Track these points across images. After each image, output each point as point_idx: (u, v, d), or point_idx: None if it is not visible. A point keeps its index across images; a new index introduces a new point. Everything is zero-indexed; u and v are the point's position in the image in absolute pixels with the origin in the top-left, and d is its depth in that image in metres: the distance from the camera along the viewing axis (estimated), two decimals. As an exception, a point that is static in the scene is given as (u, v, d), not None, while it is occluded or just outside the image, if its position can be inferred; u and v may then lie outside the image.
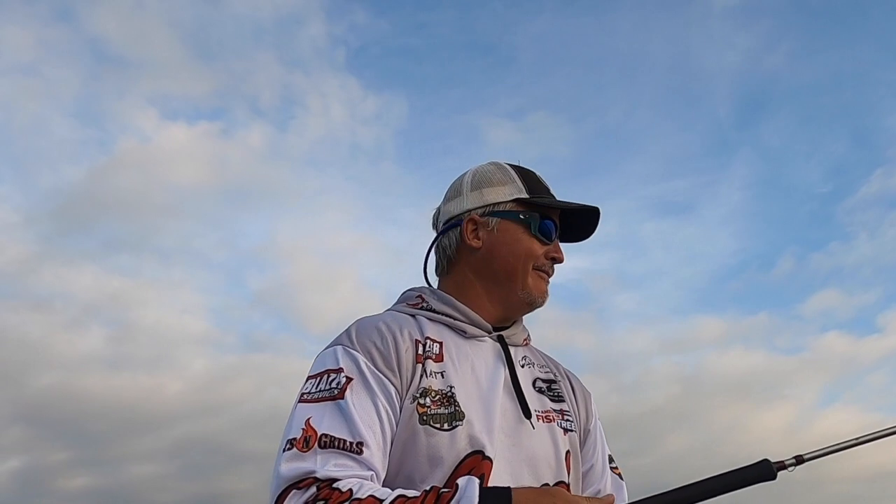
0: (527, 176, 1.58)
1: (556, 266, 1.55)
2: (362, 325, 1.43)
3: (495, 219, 1.54)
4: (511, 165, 1.60)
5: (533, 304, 1.53)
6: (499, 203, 1.55)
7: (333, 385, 1.33)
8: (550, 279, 1.56)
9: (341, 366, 1.35)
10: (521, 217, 1.53)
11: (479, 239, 1.53)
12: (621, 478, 1.59)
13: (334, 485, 1.21)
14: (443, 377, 1.39)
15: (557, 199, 1.58)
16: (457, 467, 1.32)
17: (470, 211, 1.55)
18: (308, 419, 1.29)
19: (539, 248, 1.53)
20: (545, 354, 1.64)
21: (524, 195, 1.55)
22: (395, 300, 1.60)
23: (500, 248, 1.53)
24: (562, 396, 1.54)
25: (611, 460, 1.60)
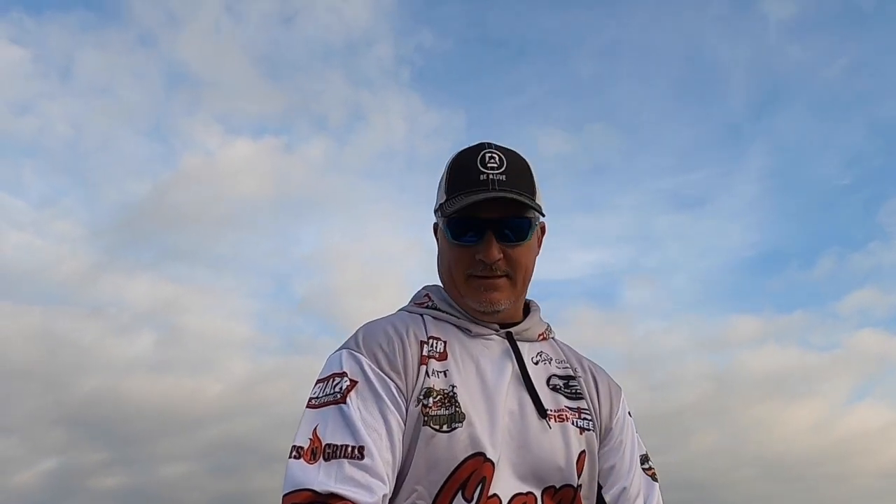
0: (456, 168, 1.43)
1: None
2: (369, 328, 1.42)
3: (438, 223, 1.48)
4: (457, 155, 1.45)
5: (485, 312, 1.42)
6: (437, 208, 1.48)
7: (336, 389, 1.32)
8: (501, 279, 1.41)
9: (345, 369, 1.34)
10: (442, 223, 1.44)
11: (438, 244, 1.51)
12: (655, 478, 1.53)
13: None
14: (445, 376, 1.36)
15: (496, 181, 1.37)
16: (456, 470, 1.30)
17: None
18: (315, 427, 1.29)
19: (461, 255, 1.41)
20: (569, 348, 1.56)
21: (443, 197, 1.43)
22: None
23: (441, 257, 1.49)
24: (580, 393, 1.46)
25: (644, 459, 1.53)
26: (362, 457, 1.25)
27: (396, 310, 1.52)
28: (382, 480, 1.25)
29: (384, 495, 1.25)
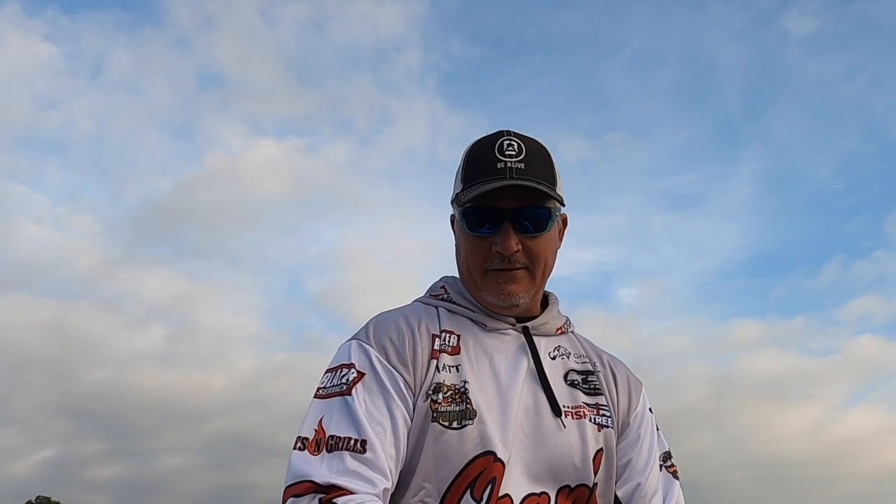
0: (473, 157, 1.40)
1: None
2: (381, 319, 1.40)
3: (455, 214, 1.44)
4: (474, 143, 1.42)
5: (503, 307, 1.40)
6: (453, 198, 1.43)
7: (343, 380, 1.31)
8: (519, 271, 1.37)
9: (353, 361, 1.33)
10: (458, 213, 1.41)
11: (455, 236, 1.47)
12: (676, 476, 1.50)
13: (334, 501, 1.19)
14: (457, 371, 1.34)
15: (514, 170, 1.33)
16: (465, 468, 1.28)
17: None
18: (321, 419, 1.28)
19: (478, 246, 1.38)
20: (588, 342, 1.53)
21: (460, 187, 1.39)
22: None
23: (458, 249, 1.46)
24: (598, 389, 1.43)
25: (667, 457, 1.50)
26: (364, 450, 1.24)
27: (412, 300, 1.49)
28: (384, 474, 1.25)
29: (385, 489, 1.24)
